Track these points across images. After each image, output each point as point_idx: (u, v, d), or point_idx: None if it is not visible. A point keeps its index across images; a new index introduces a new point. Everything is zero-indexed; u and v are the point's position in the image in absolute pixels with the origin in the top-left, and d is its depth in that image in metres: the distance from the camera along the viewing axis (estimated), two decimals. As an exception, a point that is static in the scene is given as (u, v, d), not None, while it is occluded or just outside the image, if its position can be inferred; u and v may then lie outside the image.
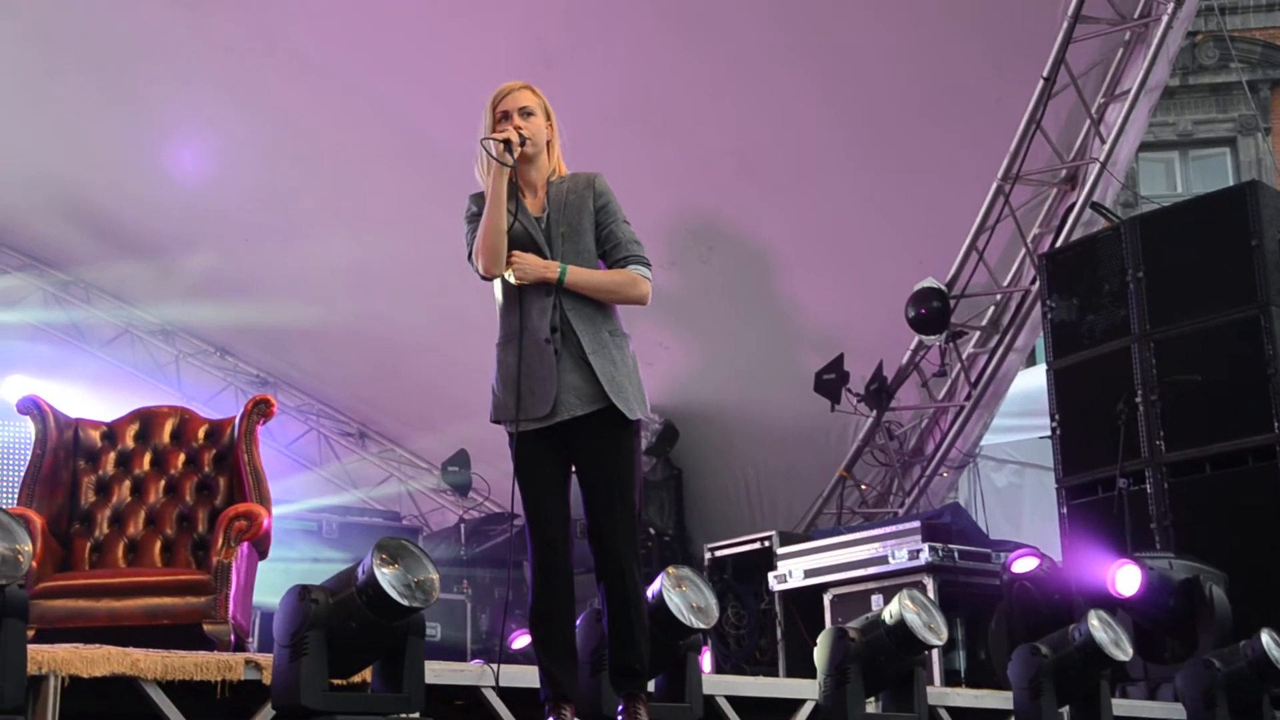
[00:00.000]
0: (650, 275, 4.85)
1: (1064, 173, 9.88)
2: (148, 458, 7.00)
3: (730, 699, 5.78)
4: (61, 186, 12.20)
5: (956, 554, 8.70)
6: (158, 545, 6.77)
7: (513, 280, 4.72)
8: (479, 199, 4.82)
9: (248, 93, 10.87)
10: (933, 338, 10.49)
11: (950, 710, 6.31)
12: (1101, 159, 9.56)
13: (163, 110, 11.21)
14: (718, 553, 10.22)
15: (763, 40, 9.85)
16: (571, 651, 4.74)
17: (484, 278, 4.76)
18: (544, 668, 4.70)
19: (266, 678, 4.53)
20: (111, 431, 7.06)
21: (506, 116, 4.76)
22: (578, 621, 4.84)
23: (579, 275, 4.72)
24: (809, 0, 9.59)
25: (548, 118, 4.84)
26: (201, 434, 7.09)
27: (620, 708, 4.69)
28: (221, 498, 6.85)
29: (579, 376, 4.68)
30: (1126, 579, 7.26)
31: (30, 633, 4.41)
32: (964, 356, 10.59)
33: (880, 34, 9.69)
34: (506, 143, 4.64)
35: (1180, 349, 8.29)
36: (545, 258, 4.73)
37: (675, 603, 5.05)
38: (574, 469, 4.79)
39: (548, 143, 4.84)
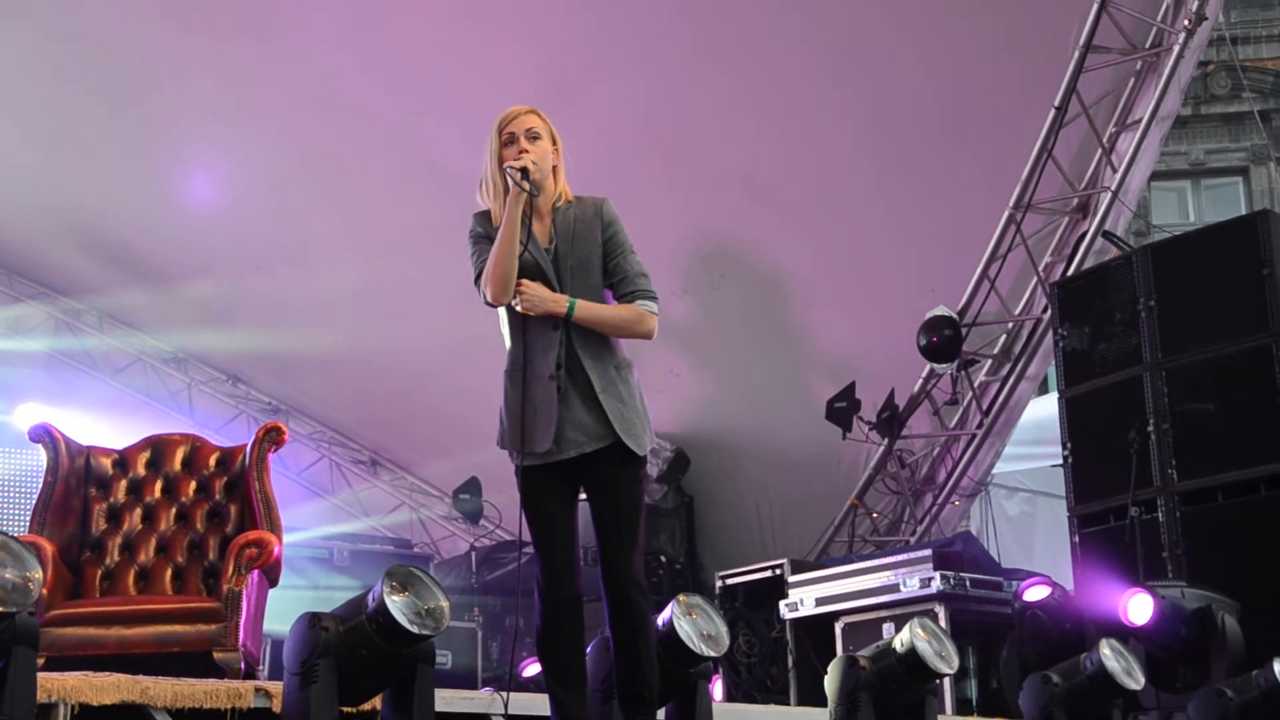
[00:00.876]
0: (657, 310, 4.82)
1: (1076, 201, 9.89)
2: (159, 485, 7.03)
3: (741, 728, 5.79)
4: (74, 214, 12.25)
5: (968, 582, 8.69)
6: (168, 573, 6.78)
7: (520, 309, 4.68)
8: (484, 219, 4.79)
9: (260, 120, 10.91)
10: (944, 366, 10.48)
11: (962, 740, 6.32)
12: (1113, 188, 9.57)
13: (175, 138, 11.26)
14: (729, 580, 10.20)
15: (776, 67, 9.88)
16: (581, 678, 4.74)
17: (489, 304, 4.72)
18: (554, 695, 4.70)
19: (276, 705, 4.54)
20: (123, 459, 7.08)
21: (513, 139, 4.73)
22: (588, 649, 4.84)
23: (587, 310, 4.69)
24: (817, 27, 9.61)
25: (553, 141, 4.80)
26: (213, 462, 7.11)
27: None
28: (232, 525, 6.87)
29: (587, 414, 4.67)
30: (1139, 608, 7.24)
31: (40, 660, 4.41)
32: (976, 385, 10.58)
33: (892, 61, 9.71)
34: (524, 170, 4.60)
35: (1192, 378, 8.27)
36: (553, 288, 4.70)
37: (686, 630, 5.05)
38: (582, 497, 4.79)
39: (554, 167, 4.81)
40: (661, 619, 5.07)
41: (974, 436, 10.63)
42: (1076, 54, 9.40)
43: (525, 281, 4.66)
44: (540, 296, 4.66)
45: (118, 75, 10.66)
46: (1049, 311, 9.56)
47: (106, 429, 10.58)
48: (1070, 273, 9.62)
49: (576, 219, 4.82)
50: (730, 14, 9.69)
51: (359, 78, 10.46)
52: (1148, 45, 9.40)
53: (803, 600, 9.37)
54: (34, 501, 6.81)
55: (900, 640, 5.62)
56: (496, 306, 4.72)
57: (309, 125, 10.90)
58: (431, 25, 9.98)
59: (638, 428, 4.72)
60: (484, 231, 4.77)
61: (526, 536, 4.75)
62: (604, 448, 4.68)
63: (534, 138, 4.74)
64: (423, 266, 11.05)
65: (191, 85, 10.74)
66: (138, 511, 6.94)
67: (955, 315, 10.26)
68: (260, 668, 6.89)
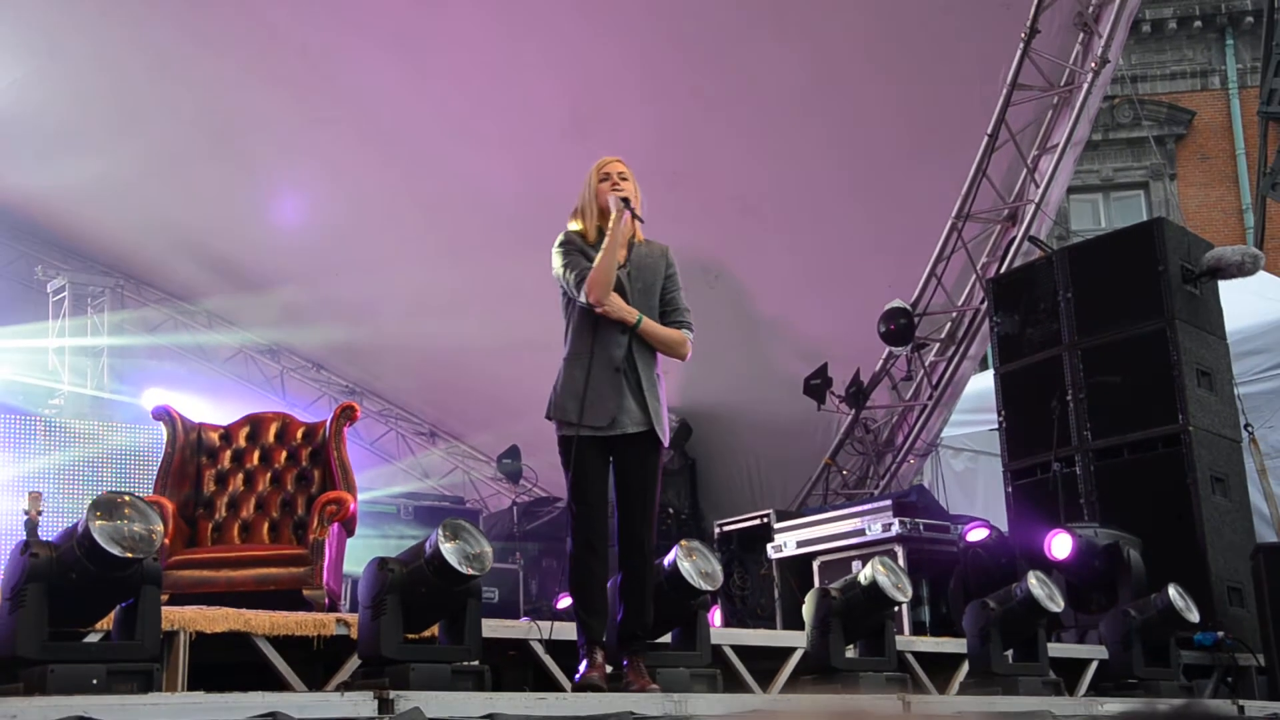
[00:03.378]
0: (693, 338, 5.04)
1: (1006, 212, 9.87)
2: (257, 455, 7.06)
3: (734, 648, 5.81)
4: (186, 232, 12.32)
5: (922, 527, 8.69)
6: (265, 526, 6.82)
7: (598, 311, 4.82)
8: (578, 235, 4.95)
9: (334, 152, 10.95)
10: (900, 348, 10.48)
11: (915, 655, 6.32)
12: (1037, 200, 9.55)
13: (266, 168, 11.32)
14: (725, 528, 10.22)
15: (761, 104, 9.86)
16: (605, 609, 4.79)
17: (586, 304, 4.84)
18: (581, 619, 4.76)
19: (353, 633, 4.57)
20: (227, 433, 7.12)
21: (607, 178, 4.94)
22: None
23: (649, 326, 4.91)
24: (796, 70, 9.60)
25: (635, 188, 4.99)
26: (300, 435, 7.14)
27: (625, 662, 4.78)
28: (316, 486, 6.90)
29: (635, 404, 4.84)
30: (1060, 545, 7.26)
31: (164, 597, 4.46)
32: (926, 364, 10.58)
33: (857, 99, 9.69)
34: (626, 199, 4.85)
35: (1102, 356, 8.30)
36: (625, 301, 4.88)
37: (687, 569, 5.08)
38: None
39: None
40: (666, 560, 5.10)
41: (925, 406, 10.62)
42: (1005, 90, 9.38)
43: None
44: (619, 305, 4.85)
45: (219, 117, 10.71)
46: (986, 303, 9.56)
47: (214, 409, 10.61)
48: (1003, 271, 9.61)
49: (646, 255, 5.03)
50: (722, 59, 9.70)
51: (416, 117, 10.49)
52: (1063, 83, 9.37)
53: (786, 543, 9.39)
54: (157, 468, 6.86)
55: (864, 575, 5.63)
56: (594, 306, 4.83)
57: (373, 156, 10.93)
58: (476, 71, 10.00)
59: (664, 422, 4.93)
60: (577, 245, 4.93)
61: (558, 494, 4.83)
62: (642, 432, 4.84)
63: (623, 179, 4.96)
64: (469, 272, 11.10)
65: (278, 126, 10.79)
66: (239, 476, 6.97)
67: (909, 307, 10.27)
68: (341, 603, 6.93)
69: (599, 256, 4.81)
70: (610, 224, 4.84)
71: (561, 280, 4.93)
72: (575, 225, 5.00)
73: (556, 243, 4.98)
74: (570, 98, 10.04)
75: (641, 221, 4.95)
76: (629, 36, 9.74)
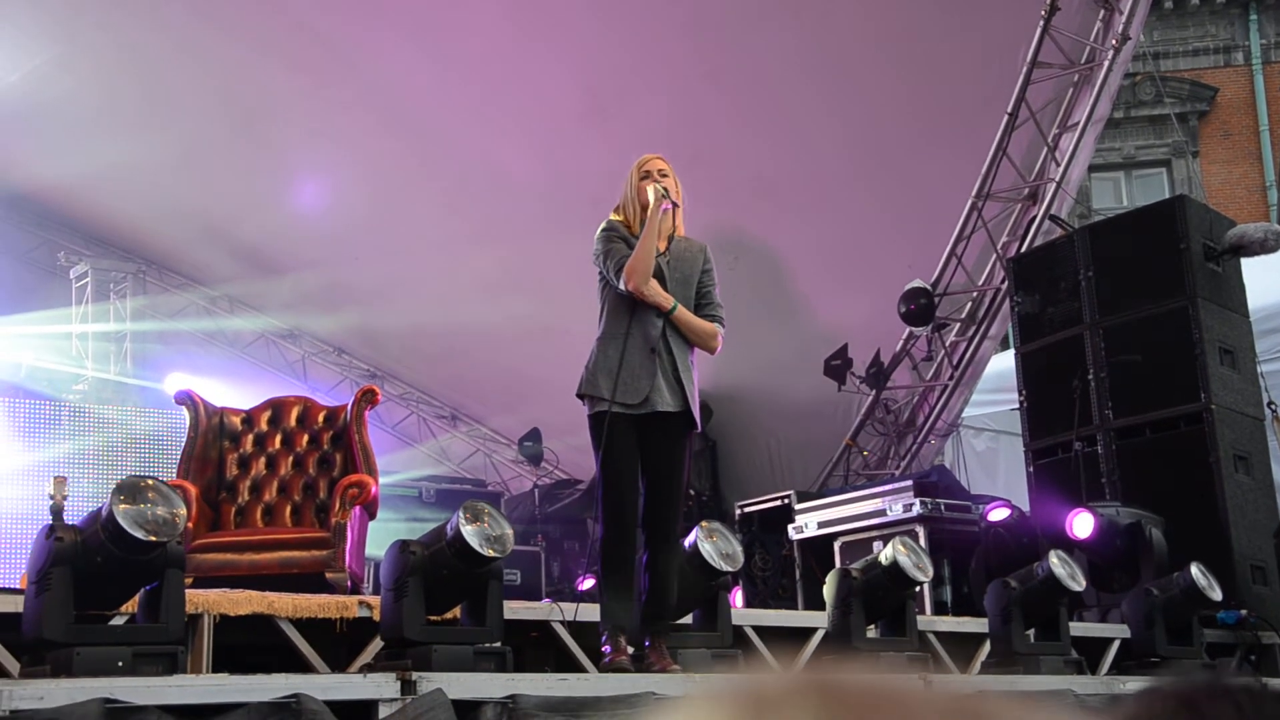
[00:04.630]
0: (724, 333, 5.14)
1: (1027, 191, 9.84)
2: (279, 438, 7.09)
3: (755, 628, 5.83)
4: (208, 219, 12.35)
5: (943, 507, 8.70)
6: (288, 509, 6.86)
7: (635, 295, 4.90)
8: (621, 225, 5.05)
9: (354, 139, 10.97)
10: (921, 329, 10.46)
11: (937, 634, 6.33)
12: (1057, 179, 9.51)
13: (287, 156, 11.34)
14: (746, 509, 10.23)
15: (775, 86, 9.86)
16: (632, 592, 4.80)
17: (626, 290, 4.90)
18: (605, 602, 4.78)
19: (376, 615, 4.60)
20: (250, 417, 7.15)
21: (648, 175, 5.04)
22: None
23: (683, 314, 5.00)
24: (810, 51, 9.58)
25: (676, 184, 5.10)
26: (321, 418, 7.17)
27: (647, 643, 4.80)
28: (338, 470, 6.93)
29: (668, 384, 4.90)
30: (1082, 524, 7.26)
31: (188, 580, 4.50)
32: (947, 344, 10.56)
33: (874, 78, 9.67)
34: (665, 190, 4.94)
35: (1124, 334, 8.27)
36: (664, 289, 4.97)
37: (708, 550, 5.10)
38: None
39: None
40: (687, 541, 5.12)
41: (946, 387, 10.61)
42: (1025, 68, 9.34)
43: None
44: (657, 290, 4.94)
45: (240, 103, 10.74)
46: (1006, 282, 9.53)
47: (236, 393, 10.63)
48: (1023, 250, 9.58)
49: (685, 250, 5.15)
50: (735, 43, 9.68)
51: (435, 102, 10.51)
52: (1083, 61, 9.33)
53: (807, 524, 9.40)
54: (180, 453, 6.90)
55: (885, 555, 5.64)
56: (634, 293, 4.90)
57: (396, 142, 10.94)
58: (494, 56, 10.00)
59: (698, 408, 4.99)
60: (620, 234, 5.03)
61: (579, 476, 4.86)
62: (674, 413, 4.89)
63: (663, 175, 5.06)
64: (490, 256, 11.11)
65: (298, 112, 10.82)
66: (262, 460, 7.01)
67: (929, 286, 10.24)
68: (364, 585, 6.97)
69: (639, 243, 4.89)
70: (649, 213, 4.91)
71: (602, 266, 5.00)
72: (617, 217, 5.10)
73: (599, 229, 5.07)
74: (586, 83, 10.04)
75: (676, 205, 5.03)
76: (642, 21, 9.72)
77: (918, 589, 6.05)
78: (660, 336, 4.92)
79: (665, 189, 4.96)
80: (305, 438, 7.10)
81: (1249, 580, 7.51)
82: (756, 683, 0.47)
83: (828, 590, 5.67)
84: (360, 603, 4.83)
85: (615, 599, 4.77)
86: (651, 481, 4.86)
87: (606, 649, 4.74)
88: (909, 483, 8.84)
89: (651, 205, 4.91)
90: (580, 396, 4.96)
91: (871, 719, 0.43)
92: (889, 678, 0.45)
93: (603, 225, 5.08)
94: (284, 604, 4.63)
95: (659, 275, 4.96)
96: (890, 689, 0.45)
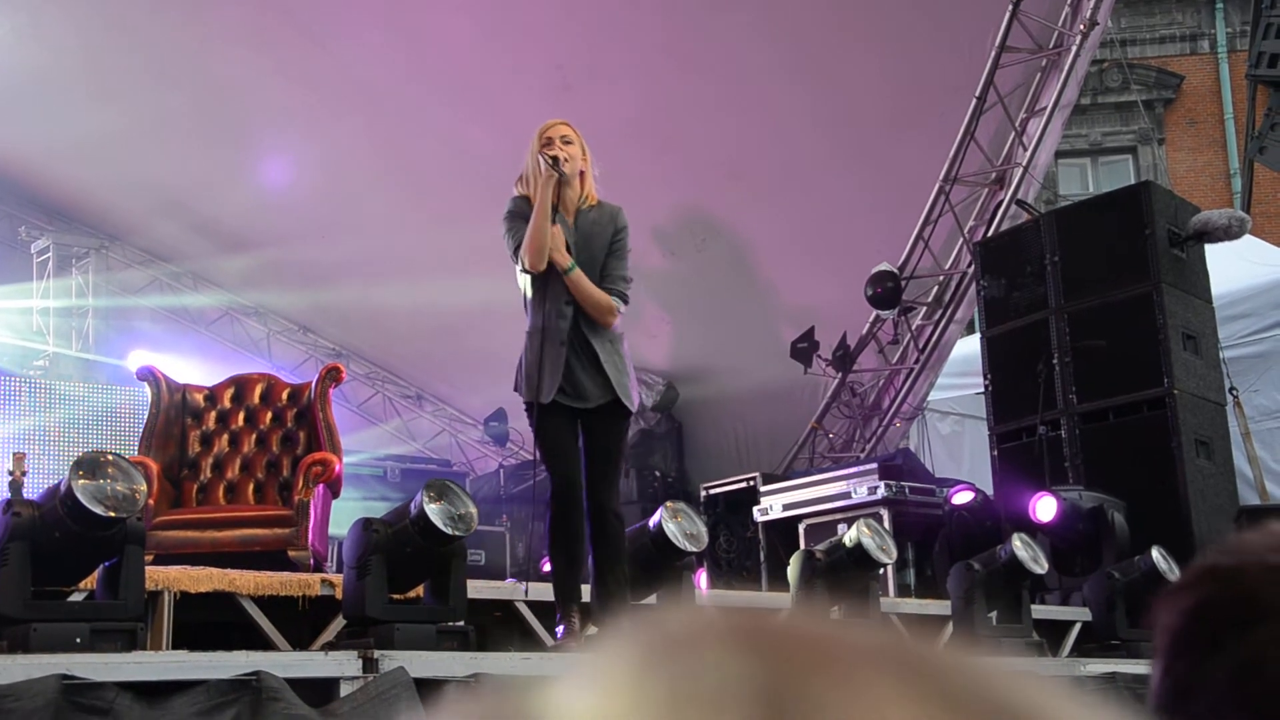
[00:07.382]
0: (623, 309, 4.85)
1: (994, 175, 9.87)
2: (242, 416, 7.06)
3: (720, 609, 5.82)
4: (171, 193, 12.24)
5: (907, 490, 8.73)
6: (250, 486, 6.83)
7: (556, 173, 4.67)
8: (522, 201, 4.81)
9: (321, 116, 10.89)
10: (887, 312, 10.48)
11: (900, 616, 6.35)
12: (1024, 164, 9.54)
13: (253, 131, 11.26)
14: (712, 490, 10.25)
15: (745, 69, 9.83)
16: (582, 561, 4.78)
17: (525, 270, 4.74)
18: (556, 574, 4.76)
19: (338, 594, 4.58)
20: (212, 395, 7.11)
21: (550, 143, 4.77)
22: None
23: (579, 280, 4.73)
24: (780, 36, 9.56)
25: (583, 150, 4.86)
26: (285, 396, 7.13)
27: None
28: (302, 448, 6.90)
29: (588, 378, 4.75)
30: (1045, 508, 7.30)
31: (149, 558, 4.47)
32: (913, 327, 10.59)
33: (843, 62, 9.66)
34: (554, 160, 4.66)
35: (1088, 319, 8.31)
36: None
37: (672, 530, 5.10)
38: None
39: (581, 172, 4.84)
40: (652, 521, 5.11)
41: (912, 370, 10.64)
42: (993, 53, 9.36)
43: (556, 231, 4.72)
44: (561, 252, 4.71)
45: (206, 81, 10.64)
46: (973, 266, 9.56)
47: (200, 371, 10.60)
48: (990, 234, 9.61)
49: (594, 221, 4.87)
50: (706, 27, 9.65)
51: (401, 79, 10.43)
52: (1051, 46, 9.35)
53: (772, 506, 9.42)
54: (141, 429, 6.86)
55: (849, 537, 5.65)
56: (531, 272, 4.72)
57: (361, 119, 10.87)
58: (463, 34, 9.94)
59: (629, 389, 4.82)
60: (519, 211, 4.80)
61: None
62: (607, 403, 4.76)
63: (566, 142, 4.79)
64: (455, 236, 11.04)
65: (265, 88, 10.72)
66: (225, 437, 6.97)
67: (896, 270, 10.25)
68: (327, 564, 6.94)
69: (531, 223, 4.66)
70: (538, 188, 4.71)
71: (509, 249, 4.83)
72: (519, 191, 4.88)
73: (504, 212, 4.88)
74: (554, 63, 9.98)
75: (563, 178, 4.72)
76: (611, 2, 9.69)
77: (881, 571, 6.07)
78: (571, 327, 4.73)
79: (555, 157, 4.68)
80: (269, 415, 7.06)
81: (1209, 564, 7.56)
82: (666, 622, 0.45)
83: (792, 572, 5.68)
84: (323, 581, 4.81)
85: (567, 566, 4.75)
86: (589, 467, 4.80)
87: (559, 630, 4.74)
88: (874, 465, 8.87)
89: (541, 179, 4.68)
90: (516, 390, 4.93)
91: (792, 657, 0.41)
92: (814, 618, 0.43)
93: (507, 206, 4.86)
94: (245, 582, 4.61)
95: (568, 250, 4.76)
96: (812, 630, 0.43)
